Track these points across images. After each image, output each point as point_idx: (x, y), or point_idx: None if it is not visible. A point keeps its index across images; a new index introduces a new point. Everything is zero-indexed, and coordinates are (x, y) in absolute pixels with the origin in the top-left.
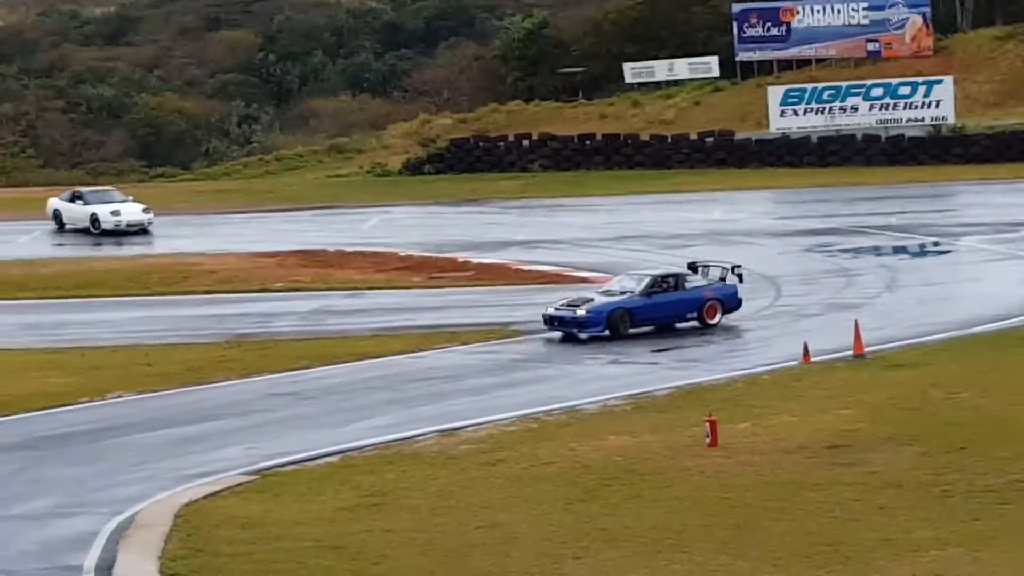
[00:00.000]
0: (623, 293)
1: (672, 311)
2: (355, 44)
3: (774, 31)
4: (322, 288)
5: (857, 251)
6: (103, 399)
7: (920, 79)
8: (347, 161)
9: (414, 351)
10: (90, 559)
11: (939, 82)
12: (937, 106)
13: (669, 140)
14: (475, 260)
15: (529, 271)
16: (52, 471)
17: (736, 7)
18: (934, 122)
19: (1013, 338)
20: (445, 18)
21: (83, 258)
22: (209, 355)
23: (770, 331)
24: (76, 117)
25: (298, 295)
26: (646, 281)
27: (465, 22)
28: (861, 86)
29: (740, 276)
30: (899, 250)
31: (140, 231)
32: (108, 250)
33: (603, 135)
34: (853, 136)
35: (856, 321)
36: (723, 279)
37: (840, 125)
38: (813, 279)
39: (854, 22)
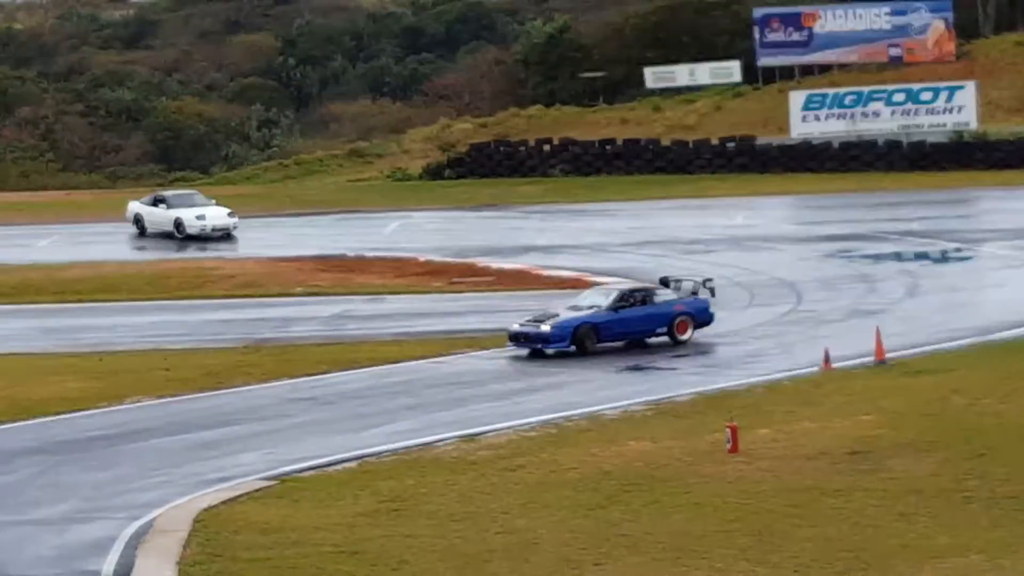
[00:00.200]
0: (590, 308)
1: (641, 326)
2: (375, 48)
3: (796, 36)
4: (342, 293)
5: (878, 257)
6: (121, 404)
7: (942, 84)
8: (367, 166)
9: (434, 356)
10: (108, 564)
11: (961, 88)
12: (959, 112)
13: (690, 145)
14: (495, 265)
15: (549, 276)
16: (70, 476)
17: (758, 12)
18: (956, 128)
19: None
20: (466, 22)
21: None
22: (228, 360)
23: (791, 337)
24: (95, 121)
25: (318, 300)
26: (613, 296)
27: (486, 26)
28: (883, 91)
29: (712, 290)
30: (921, 256)
31: (225, 236)
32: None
33: (624, 140)
34: (875, 142)
35: (878, 327)
36: (695, 293)
37: (862, 131)
38: (834, 285)
39: (876, 27)
